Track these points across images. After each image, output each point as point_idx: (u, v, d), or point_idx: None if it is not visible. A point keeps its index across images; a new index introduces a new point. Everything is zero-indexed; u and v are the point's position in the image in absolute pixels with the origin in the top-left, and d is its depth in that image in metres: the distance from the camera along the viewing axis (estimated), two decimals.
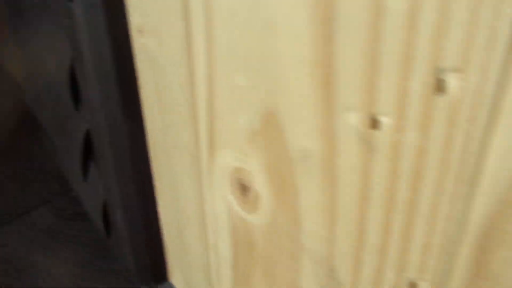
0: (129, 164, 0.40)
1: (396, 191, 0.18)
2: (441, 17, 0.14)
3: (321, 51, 0.18)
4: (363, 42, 0.17)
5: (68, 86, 0.40)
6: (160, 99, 0.33)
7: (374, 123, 0.18)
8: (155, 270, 0.48)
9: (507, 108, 0.14)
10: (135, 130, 0.39)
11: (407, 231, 0.19)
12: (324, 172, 0.21)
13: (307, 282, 0.26)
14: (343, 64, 0.18)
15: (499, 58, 0.13)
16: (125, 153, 0.40)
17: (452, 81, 0.15)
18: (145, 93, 0.36)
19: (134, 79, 0.36)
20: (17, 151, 0.73)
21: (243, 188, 0.27)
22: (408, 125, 0.17)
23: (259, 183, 0.26)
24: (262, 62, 0.22)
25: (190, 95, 0.29)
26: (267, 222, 0.26)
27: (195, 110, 0.29)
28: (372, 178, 0.19)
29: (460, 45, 0.14)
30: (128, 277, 0.51)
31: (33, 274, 0.51)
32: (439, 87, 0.15)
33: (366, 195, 0.20)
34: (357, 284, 0.22)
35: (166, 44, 0.29)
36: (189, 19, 0.25)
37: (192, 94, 0.28)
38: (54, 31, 0.41)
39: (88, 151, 0.43)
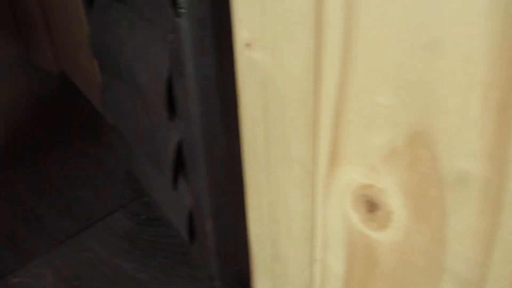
0: (223, 175, 0.41)
1: None
2: None
3: (501, 75, 0.18)
4: None
5: (164, 97, 0.40)
6: (267, 113, 0.33)
7: None
8: (240, 278, 0.48)
9: None
10: (231, 142, 0.39)
11: None
12: (487, 196, 0.20)
13: None
14: None
15: None
16: (219, 165, 0.40)
17: None
18: (248, 106, 0.36)
19: (235, 92, 0.37)
20: (87, 157, 0.75)
21: (370, 205, 0.27)
22: None
23: (395, 201, 0.25)
24: (417, 81, 0.21)
25: (311, 111, 0.28)
26: (398, 240, 0.26)
27: (316, 126, 0.29)
28: None
29: None
30: (210, 284, 0.51)
31: (117, 279, 0.52)
32: None
33: None
34: None
35: (283, 58, 0.29)
36: (321, 36, 0.25)
37: (314, 110, 0.28)
38: (150, 44, 0.42)
39: (179, 161, 0.44)
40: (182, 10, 0.33)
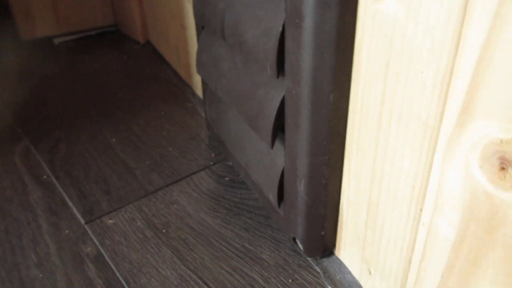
0: (325, 134, 0.41)
1: None
2: None
3: None
4: None
5: (275, 53, 0.41)
6: (388, 68, 0.33)
7: None
8: (324, 245, 0.48)
9: None
10: (339, 101, 0.39)
11: None
12: None
13: None
14: None
15: None
16: (323, 123, 0.40)
17: None
18: (366, 62, 0.35)
19: (353, 48, 0.36)
20: (172, 120, 0.78)
21: (504, 162, 0.26)
22: None
23: None
24: None
25: (445, 61, 0.28)
26: None
27: (449, 77, 0.28)
28: None
29: None
30: (293, 247, 0.52)
31: (204, 233, 0.54)
32: None
33: None
34: None
35: (420, 7, 0.29)
36: None
37: (449, 60, 0.27)
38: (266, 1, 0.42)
39: (279, 120, 0.45)
40: None
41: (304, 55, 0.38)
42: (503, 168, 0.26)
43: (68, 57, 1.08)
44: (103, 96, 0.88)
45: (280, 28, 0.40)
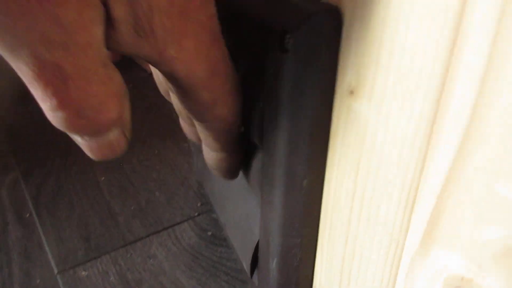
0: (299, 217, 0.39)
1: None
2: None
3: None
4: None
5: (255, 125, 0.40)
6: (359, 167, 0.31)
7: None
8: None
9: None
10: (313, 188, 0.37)
11: None
12: None
13: None
14: None
15: None
16: (297, 206, 0.38)
17: None
18: (338, 156, 0.34)
19: (327, 139, 0.35)
20: (165, 160, 0.77)
21: None
22: None
23: None
24: None
25: (410, 180, 0.26)
26: None
27: (414, 198, 0.26)
28: None
29: None
30: None
31: None
32: None
33: None
34: None
35: (391, 116, 0.27)
36: (442, 106, 0.23)
37: (415, 181, 0.25)
38: (251, 74, 0.41)
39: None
40: (288, 46, 0.32)
41: (279, 138, 0.36)
42: None
43: None
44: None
45: (261, 105, 0.39)
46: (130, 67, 1.19)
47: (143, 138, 0.83)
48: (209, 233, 0.61)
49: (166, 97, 0.43)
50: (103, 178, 0.72)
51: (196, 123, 0.38)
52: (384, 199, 0.29)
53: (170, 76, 0.30)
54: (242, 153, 0.43)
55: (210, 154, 0.41)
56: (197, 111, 0.34)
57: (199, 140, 0.41)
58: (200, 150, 0.65)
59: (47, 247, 0.59)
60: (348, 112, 0.31)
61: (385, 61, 0.26)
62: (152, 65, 0.30)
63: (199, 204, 0.67)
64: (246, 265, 0.49)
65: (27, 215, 0.64)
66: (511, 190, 0.20)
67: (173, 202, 0.67)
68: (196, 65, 0.30)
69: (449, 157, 0.23)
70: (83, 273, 0.55)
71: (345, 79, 0.31)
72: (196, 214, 0.65)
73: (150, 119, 0.91)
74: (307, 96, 0.33)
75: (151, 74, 1.18)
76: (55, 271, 0.55)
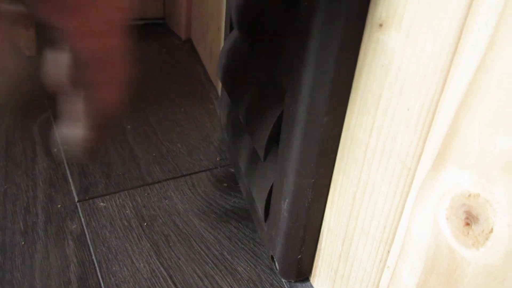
0: (314, 156, 0.40)
1: None
2: None
3: None
4: None
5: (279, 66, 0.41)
6: (381, 100, 0.32)
7: None
8: (300, 268, 0.47)
9: None
10: (332, 125, 0.38)
11: None
12: None
13: None
14: None
15: None
16: (314, 145, 0.39)
17: None
18: (361, 90, 0.34)
19: (353, 73, 0.35)
20: (190, 118, 0.79)
21: (469, 217, 0.24)
22: None
23: (500, 218, 0.22)
24: None
25: (429, 102, 0.26)
26: (493, 263, 0.23)
27: (431, 119, 0.26)
28: None
29: None
30: (270, 265, 0.51)
31: (187, 233, 0.54)
32: None
33: None
34: None
35: (417, 44, 0.27)
36: (465, 30, 0.23)
37: (434, 101, 0.26)
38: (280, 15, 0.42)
39: (276, 134, 0.44)
40: None
41: (305, 72, 0.37)
42: (467, 224, 0.24)
43: None
44: (135, 84, 0.90)
45: (290, 44, 0.40)
46: (167, 34, 1.21)
47: (172, 97, 0.85)
48: (225, 185, 0.63)
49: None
50: (129, 126, 0.75)
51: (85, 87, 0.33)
52: (402, 127, 0.29)
53: None
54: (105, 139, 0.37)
55: (80, 132, 0.35)
56: None
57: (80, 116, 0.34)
58: (225, 106, 0.67)
59: (70, 178, 0.61)
60: (376, 44, 0.32)
61: None
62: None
63: (218, 159, 0.68)
64: (261, 209, 0.50)
65: (55, 150, 0.67)
66: None
67: (193, 154, 0.69)
68: None
69: (469, 74, 0.23)
70: (102, 204, 0.57)
71: (376, 13, 0.32)
72: (214, 167, 0.66)
73: (180, 81, 0.93)
74: (336, 30, 0.34)
75: (185, 41, 1.20)
76: (76, 199, 0.57)
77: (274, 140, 0.45)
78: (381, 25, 0.31)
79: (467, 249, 0.24)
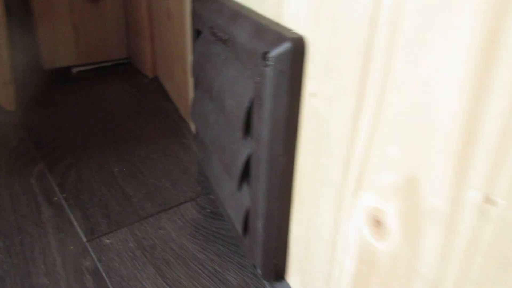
0: (278, 186, 0.53)
1: (500, 250, 0.27)
2: None
3: (464, 142, 0.28)
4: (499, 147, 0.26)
5: (243, 121, 0.54)
6: (317, 145, 0.45)
7: (491, 201, 0.27)
8: (277, 270, 0.60)
9: None
10: (288, 162, 0.51)
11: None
12: (446, 225, 0.31)
13: None
14: (480, 156, 0.28)
15: None
16: (277, 178, 0.52)
17: None
18: (304, 138, 0.48)
19: (296, 127, 0.49)
20: (168, 154, 0.90)
21: (377, 223, 0.38)
22: None
23: (392, 222, 0.36)
24: (415, 136, 0.32)
25: (346, 150, 0.40)
26: (391, 250, 0.37)
27: (349, 162, 0.40)
28: (482, 238, 0.28)
29: None
30: (253, 272, 0.63)
31: (183, 256, 0.66)
32: None
33: (476, 247, 0.29)
34: None
35: (334, 111, 0.41)
36: (362, 101, 0.37)
37: (348, 150, 0.40)
38: (240, 79, 0.55)
39: (245, 170, 0.57)
40: (269, 63, 0.46)
41: (263, 127, 0.50)
42: (377, 227, 0.38)
43: (84, 86, 1.22)
44: (112, 126, 1.01)
45: (248, 104, 0.53)
46: (133, 73, 1.32)
47: (149, 136, 0.97)
48: (208, 210, 0.75)
49: None
50: (116, 168, 0.85)
51: None
52: (334, 164, 0.43)
53: None
54: None
55: None
56: None
57: None
58: (201, 144, 0.79)
59: (75, 222, 0.72)
60: (310, 108, 0.45)
61: (332, 74, 0.40)
62: None
63: (199, 189, 0.80)
64: (239, 228, 0.62)
65: (55, 198, 0.77)
66: (395, 150, 0.34)
67: (177, 187, 0.81)
68: None
69: (365, 135, 0.37)
70: (107, 241, 0.68)
71: (308, 86, 0.45)
72: (196, 196, 0.78)
73: (154, 120, 1.04)
74: (282, 97, 0.47)
75: (152, 79, 1.31)
76: (84, 239, 0.68)
77: (245, 174, 0.58)
78: (313, 94, 0.45)
79: (379, 242, 0.38)
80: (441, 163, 0.30)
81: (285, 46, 0.45)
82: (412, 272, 0.35)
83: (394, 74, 0.33)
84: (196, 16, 0.72)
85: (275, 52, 0.45)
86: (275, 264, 0.59)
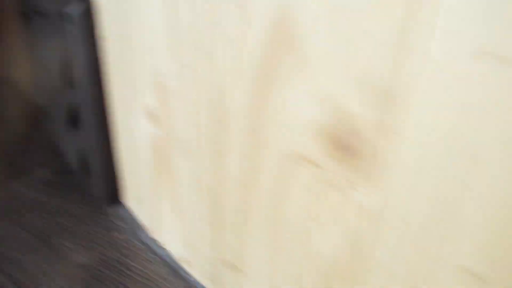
0: (101, 123, 0.67)
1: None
2: None
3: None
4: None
5: (63, 74, 0.67)
6: (119, 76, 0.61)
7: None
8: (115, 195, 0.74)
9: None
10: (102, 104, 0.66)
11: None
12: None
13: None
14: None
15: None
16: (99, 116, 0.67)
17: None
18: (111, 70, 0.63)
19: (101, 68, 0.64)
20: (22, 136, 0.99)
21: (152, 116, 0.55)
22: None
23: (161, 115, 0.53)
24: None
25: (131, 74, 0.56)
26: (163, 133, 0.54)
27: (136, 85, 0.56)
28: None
29: None
30: (96, 202, 0.77)
31: (37, 208, 0.76)
32: None
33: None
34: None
35: (115, 43, 0.57)
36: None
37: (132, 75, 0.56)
38: (55, 39, 0.69)
39: (74, 116, 0.71)
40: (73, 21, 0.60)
41: (79, 71, 0.64)
42: (152, 117, 0.55)
43: None
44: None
45: (65, 59, 0.67)
46: None
47: None
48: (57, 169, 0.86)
49: None
50: None
51: None
52: (128, 88, 0.59)
53: None
54: None
55: None
56: None
57: None
58: (51, 106, 0.89)
59: None
60: (106, 50, 0.61)
61: (115, 24, 0.56)
62: None
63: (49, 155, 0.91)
64: (76, 163, 0.75)
65: None
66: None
67: (27, 155, 0.90)
68: None
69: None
70: None
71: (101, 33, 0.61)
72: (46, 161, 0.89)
73: None
74: (83, 46, 0.62)
75: None
76: None
77: (76, 118, 0.72)
78: (104, 37, 0.60)
79: (154, 128, 0.55)
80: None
81: (83, 7, 0.60)
82: (171, 146, 0.52)
83: None
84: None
85: (77, 12, 0.60)
86: (113, 189, 0.73)
